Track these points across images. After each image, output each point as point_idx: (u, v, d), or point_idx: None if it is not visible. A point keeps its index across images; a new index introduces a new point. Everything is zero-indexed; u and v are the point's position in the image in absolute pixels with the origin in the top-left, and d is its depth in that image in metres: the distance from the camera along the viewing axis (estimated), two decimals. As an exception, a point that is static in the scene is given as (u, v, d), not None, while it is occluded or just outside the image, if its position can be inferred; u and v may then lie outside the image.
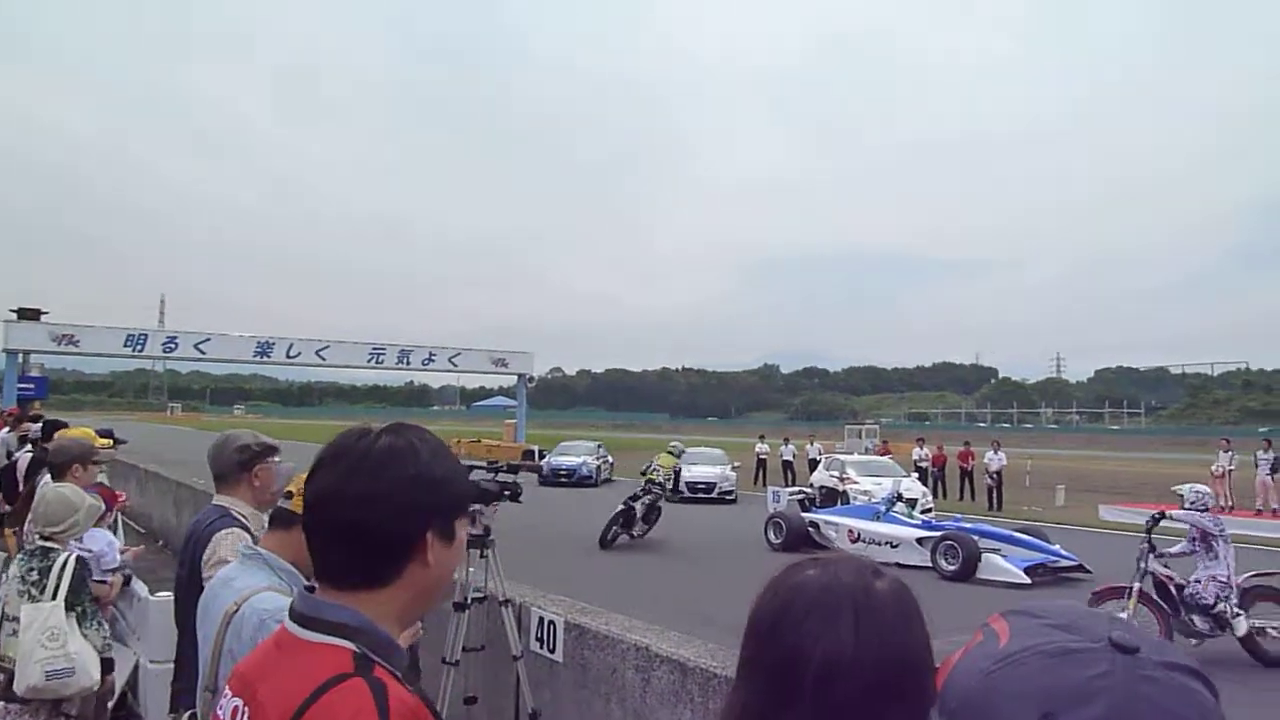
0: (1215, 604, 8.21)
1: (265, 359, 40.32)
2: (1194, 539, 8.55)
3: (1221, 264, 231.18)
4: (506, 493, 4.57)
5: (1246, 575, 8.46)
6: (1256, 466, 22.27)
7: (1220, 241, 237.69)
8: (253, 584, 2.07)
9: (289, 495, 2.30)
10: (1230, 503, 22.30)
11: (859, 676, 0.97)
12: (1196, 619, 8.29)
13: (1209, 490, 9.03)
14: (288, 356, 40.65)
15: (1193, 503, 8.54)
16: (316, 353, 41.03)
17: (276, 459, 3.00)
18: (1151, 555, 8.41)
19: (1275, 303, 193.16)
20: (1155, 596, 8.39)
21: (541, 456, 33.64)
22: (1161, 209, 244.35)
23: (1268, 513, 21.49)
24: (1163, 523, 8.55)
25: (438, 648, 4.22)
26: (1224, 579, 8.25)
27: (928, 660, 0.99)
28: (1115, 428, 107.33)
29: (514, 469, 4.65)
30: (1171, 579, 8.46)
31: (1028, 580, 12.47)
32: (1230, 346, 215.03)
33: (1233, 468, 22.71)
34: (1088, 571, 12.77)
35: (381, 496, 1.16)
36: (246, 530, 2.74)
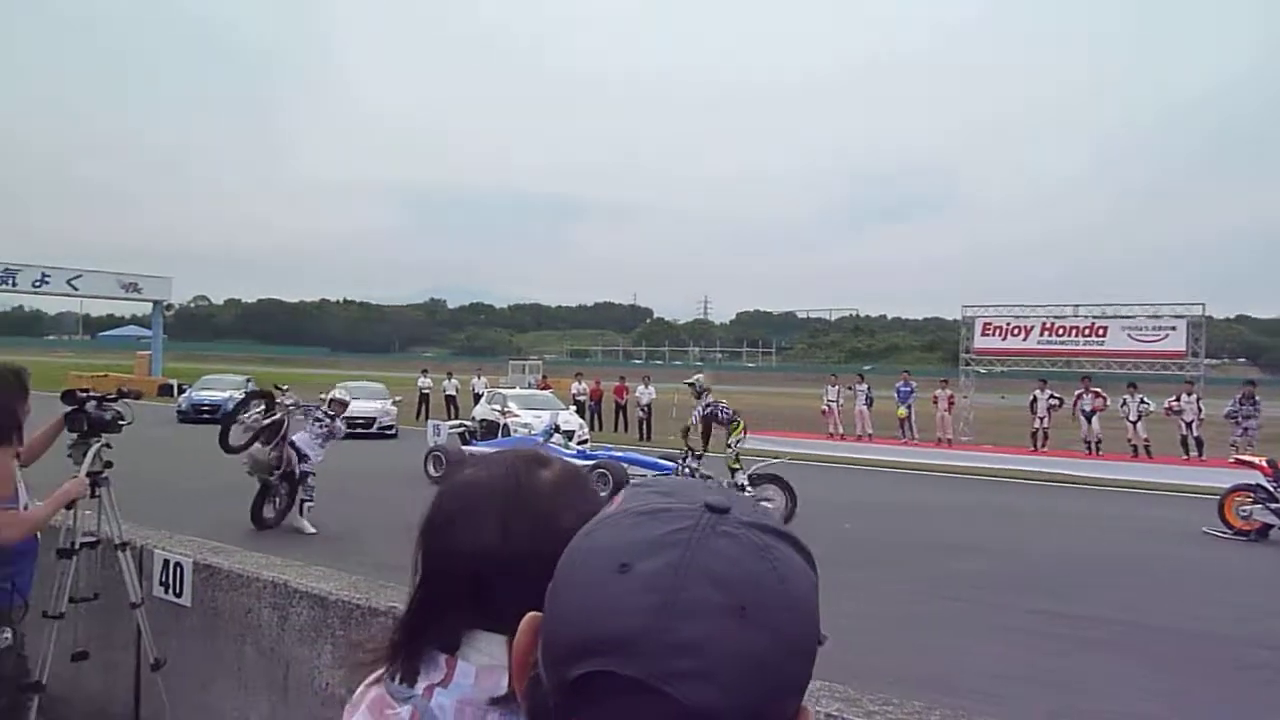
0: None
1: None
2: None
3: (837, 221, 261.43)
4: (120, 422, 4.13)
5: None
6: (854, 397, 25.79)
7: (834, 201, 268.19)
8: None
9: None
10: (840, 431, 25.69)
11: (513, 569, 0.98)
12: None
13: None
14: None
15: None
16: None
17: None
18: None
19: (878, 258, 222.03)
20: None
21: (181, 391, 30.89)
22: (793, 173, 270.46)
23: (865, 438, 25.00)
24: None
25: (42, 601, 3.76)
26: None
27: None
28: (751, 365, 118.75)
29: (121, 394, 4.19)
30: None
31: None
32: (845, 294, 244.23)
33: (839, 402, 26.06)
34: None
35: None
36: None
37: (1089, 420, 22.22)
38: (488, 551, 1.00)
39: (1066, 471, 19.43)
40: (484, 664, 1.01)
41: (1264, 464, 12.18)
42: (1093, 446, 22.08)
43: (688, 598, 0.62)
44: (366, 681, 1.06)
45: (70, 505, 3.87)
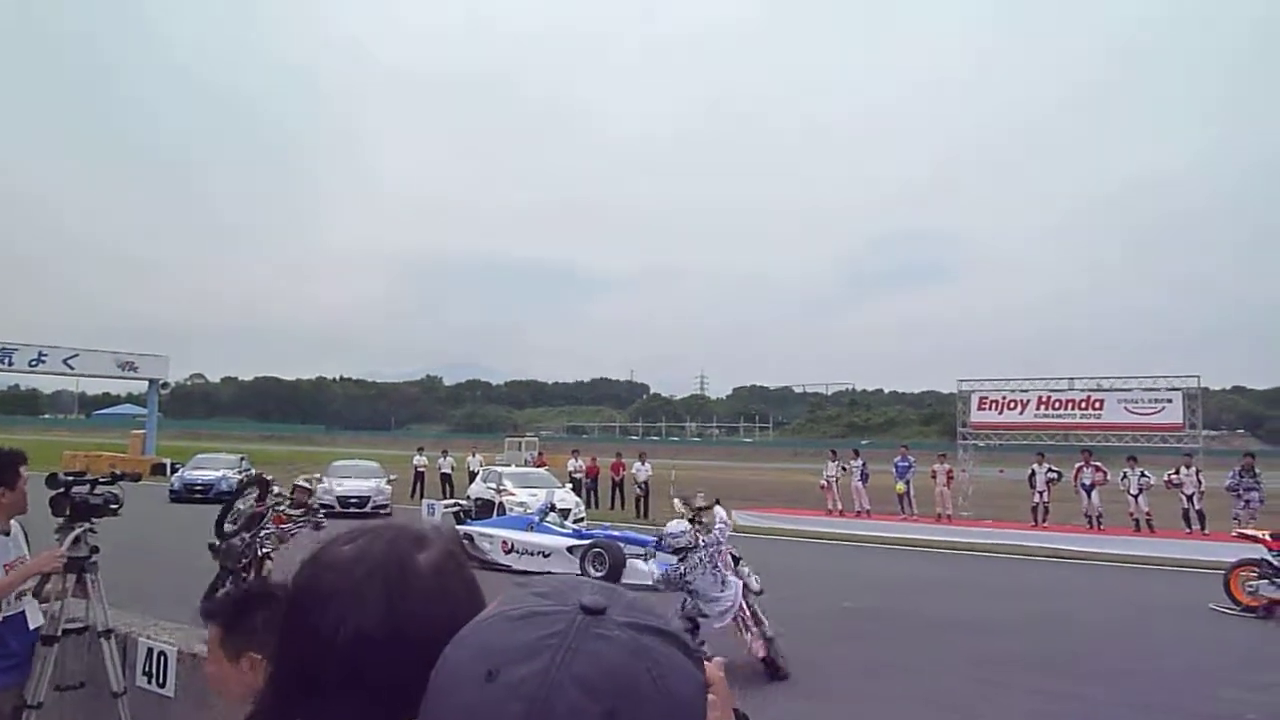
0: None
1: None
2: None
3: (832, 296, 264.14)
4: (113, 506, 4.08)
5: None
6: (849, 473, 25.62)
7: (832, 277, 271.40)
8: None
9: None
10: (839, 507, 25.47)
11: (390, 655, 0.89)
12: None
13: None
14: None
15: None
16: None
17: None
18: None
19: (871, 332, 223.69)
20: None
21: (174, 470, 30.66)
22: (788, 245, 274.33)
23: (864, 513, 24.77)
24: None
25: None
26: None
27: None
28: (749, 440, 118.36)
29: (115, 477, 4.14)
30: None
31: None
32: (841, 369, 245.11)
33: (836, 476, 25.89)
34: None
35: None
36: None
37: (1090, 494, 22.05)
38: (364, 635, 0.90)
39: (1069, 546, 19.21)
40: None
41: (1268, 538, 12.05)
42: (1094, 521, 21.87)
43: (557, 706, 0.60)
44: None
45: (44, 584, 3.81)
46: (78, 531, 3.92)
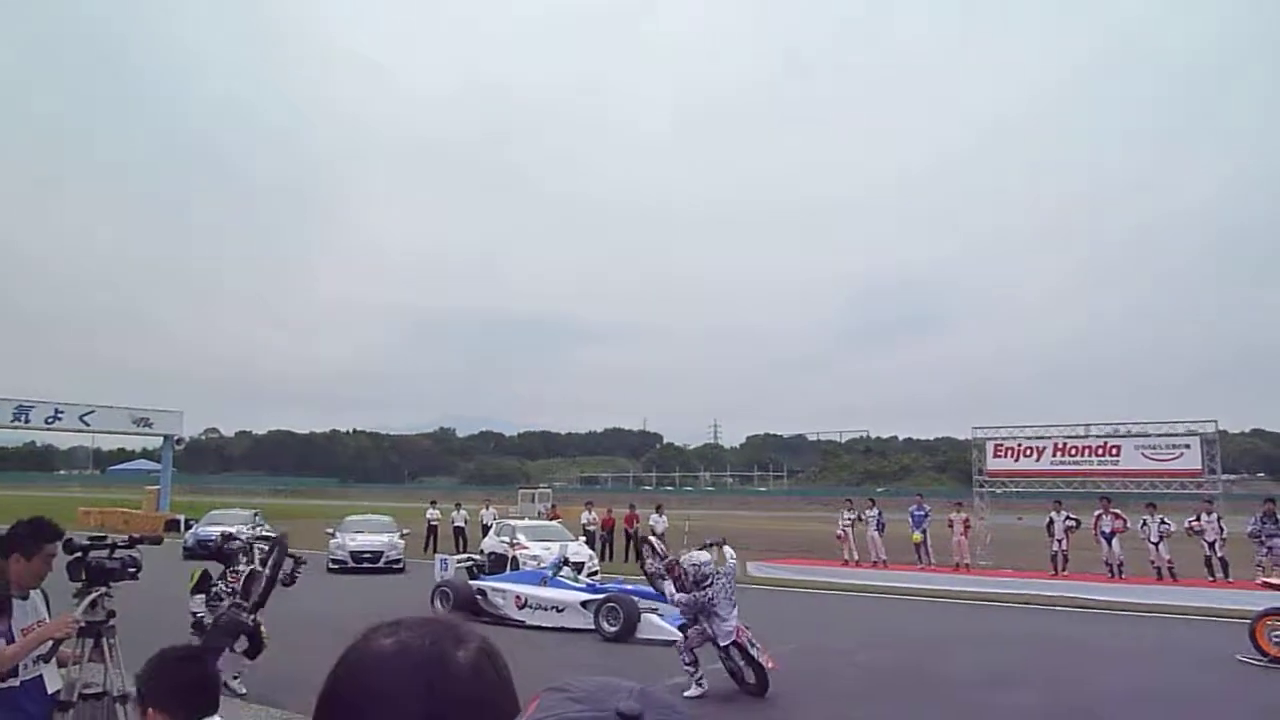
0: None
1: None
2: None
3: (839, 344, 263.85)
4: (131, 570, 4.11)
5: None
6: (865, 523, 25.41)
7: (837, 324, 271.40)
8: None
9: None
10: (855, 557, 25.23)
11: None
12: None
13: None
14: None
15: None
16: (-98, 407, 34.69)
17: None
18: None
19: (883, 379, 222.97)
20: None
21: (188, 526, 30.66)
22: (798, 295, 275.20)
23: (880, 563, 24.50)
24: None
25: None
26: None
27: None
28: (763, 489, 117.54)
29: (134, 541, 4.17)
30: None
31: (682, 637, 13.19)
32: (855, 416, 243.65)
33: (852, 525, 25.67)
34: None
35: None
36: None
37: (1109, 542, 21.80)
38: None
39: (1090, 596, 18.93)
40: None
41: (1292, 586, 11.88)
42: (1115, 569, 21.59)
43: None
44: None
45: (55, 649, 3.82)
46: (94, 596, 3.95)
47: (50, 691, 3.81)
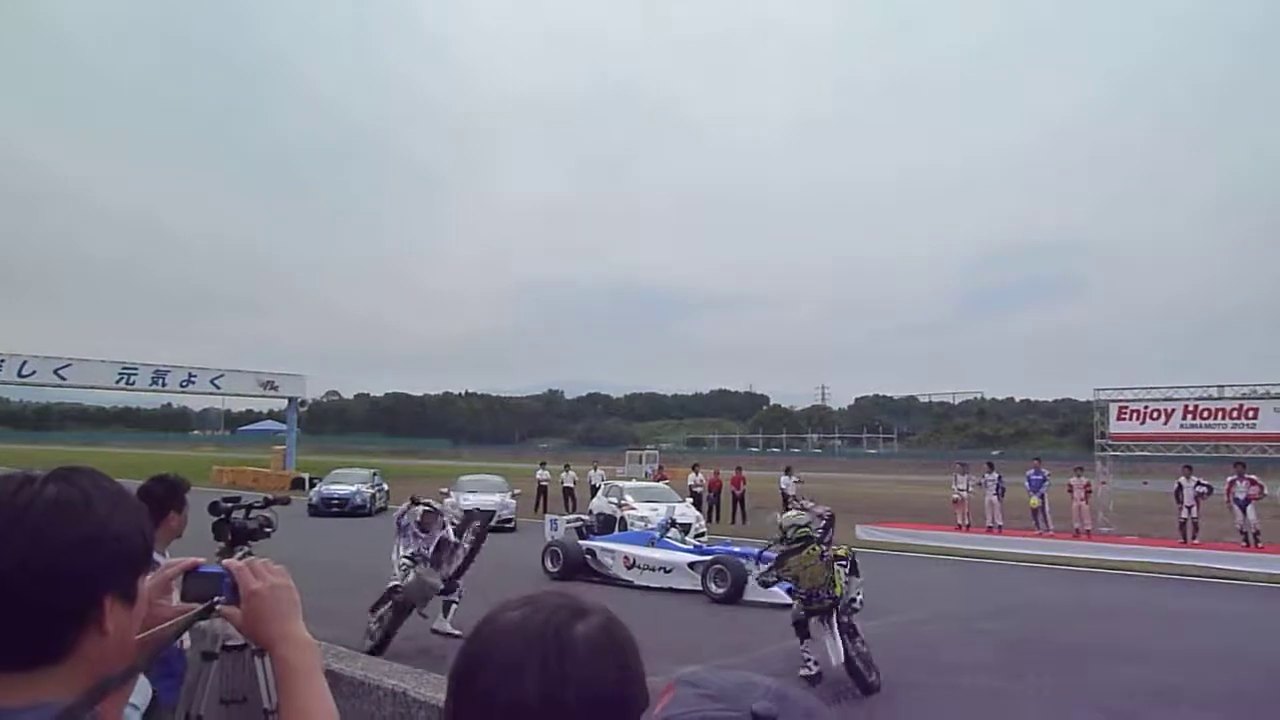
0: None
1: (-8, 377, 36.25)
2: None
3: (959, 303, 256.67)
4: (267, 529, 4.33)
5: None
6: (984, 488, 24.71)
7: (959, 286, 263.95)
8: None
9: None
10: (967, 522, 24.63)
11: None
12: None
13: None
14: (19, 375, 36.64)
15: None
16: (55, 371, 37.19)
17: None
18: None
19: (1000, 339, 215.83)
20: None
21: (312, 485, 32.14)
22: (910, 256, 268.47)
23: (995, 529, 23.86)
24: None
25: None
26: None
27: (632, 701, 0.93)
28: (872, 451, 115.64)
29: (268, 502, 4.39)
30: None
31: (790, 601, 13.15)
32: (969, 378, 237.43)
33: (969, 492, 25.02)
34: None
35: (45, 562, 0.95)
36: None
37: (1244, 509, 20.66)
38: (521, 703, 0.92)
39: (1223, 566, 18.04)
40: None
41: None
42: (1250, 538, 20.48)
43: None
44: None
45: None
46: (239, 554, 4.17)
47: (185, 647, 4.02)
